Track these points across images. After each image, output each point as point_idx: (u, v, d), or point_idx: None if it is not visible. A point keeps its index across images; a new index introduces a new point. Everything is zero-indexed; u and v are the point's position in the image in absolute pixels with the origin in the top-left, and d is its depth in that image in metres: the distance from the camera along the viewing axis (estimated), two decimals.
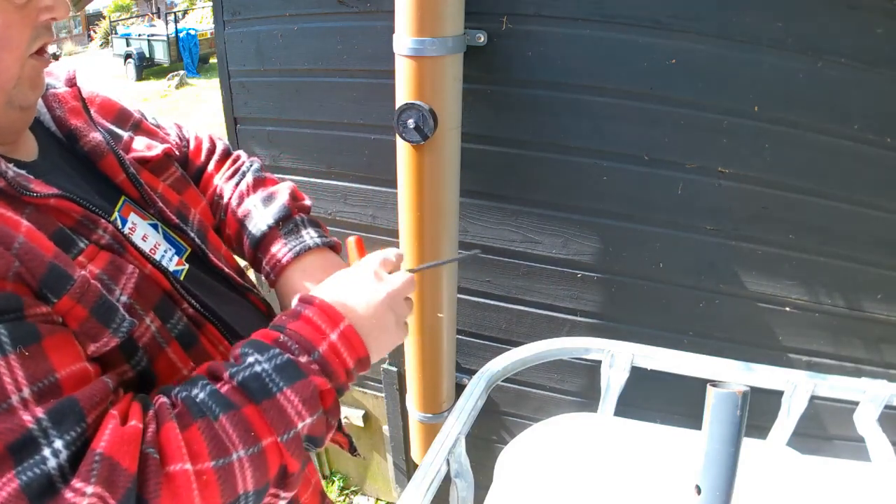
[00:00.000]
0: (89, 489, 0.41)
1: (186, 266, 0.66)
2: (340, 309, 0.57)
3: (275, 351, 0.52)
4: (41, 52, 0.54)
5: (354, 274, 0.63)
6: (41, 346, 0.45)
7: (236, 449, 0.48)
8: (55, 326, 0.47)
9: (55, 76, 0.66)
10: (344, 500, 2.26)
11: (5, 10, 0.48)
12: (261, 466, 0.49)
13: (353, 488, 2.29)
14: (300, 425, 0.51)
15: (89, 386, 0.47)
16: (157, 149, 0.71)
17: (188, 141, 0.86)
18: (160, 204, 0.66)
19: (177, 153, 0.77)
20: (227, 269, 0.71)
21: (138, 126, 0.74)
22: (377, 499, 2.25)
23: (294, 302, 0.60)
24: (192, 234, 0.68)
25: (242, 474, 0.48)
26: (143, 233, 0.63)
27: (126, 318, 0.52)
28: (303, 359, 0.53)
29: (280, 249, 0.73)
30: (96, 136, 0.63)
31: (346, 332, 0.56)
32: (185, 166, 0.82)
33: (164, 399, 0.50)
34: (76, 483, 0.41)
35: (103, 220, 0.55)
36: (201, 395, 0.50)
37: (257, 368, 0.51)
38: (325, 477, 2.31)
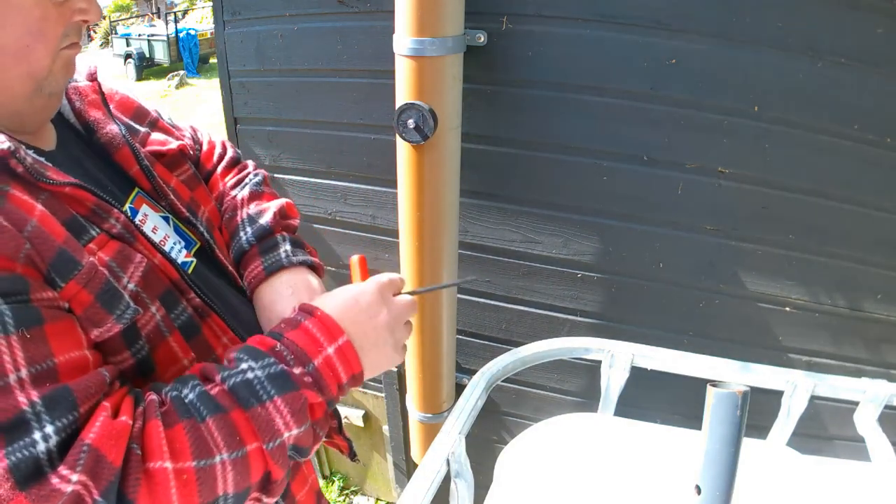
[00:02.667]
0: (74, 477, 0.42)
1: (194, 260, 0.67)
2: (340, 323, 0.57)
3: (269, 359, 0.53)
4: (72, 46, 0.56)
5: (359, 290, 0.63)
6: (42, 330, 0.46)
7: (220, 452, 0.48)
8: (59, 312, 0.48)
9: (77, 71, 0.67)
10: (344, 500, 2.26)
11: (43, 5, 0.50)
12: (243, 470, 0.50)
13: (353, 488, 2.29)
14: (286, 435, 0.52)
15: (85, 377, 0.47)
16: (172, 144, 0.73)
17: (201, 144, 0.87)
18: (172, 197, 0.67)
19: (190, 153, 0.78)
20: (231, 268, 0.72)
21: (154, 124, 0.76)
22: (377, 499, 2.25)
23: (295, 307, 0.60)
24: (202, 229, 0.69)
25: (224, 476, 0.48)
26: (153, 224, 0.64)
27: (130, 306, 0.53)
28: (297, 370, 0.53)
29: (256, 267, 0.74)
30: (113, 128, 0.65)
31: (344, 347, 0.57)
32: (196, 168, 0.83)
33: (153, 396, 0.51)
34: (62, 470, 0.42)
35: (115, 210, 0.56)
36: (190, 396, 0.50)
37: (249, 375, 0.51)
38: (325, 477, 2.31)
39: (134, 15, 17.30)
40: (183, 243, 0.67)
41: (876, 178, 1.10)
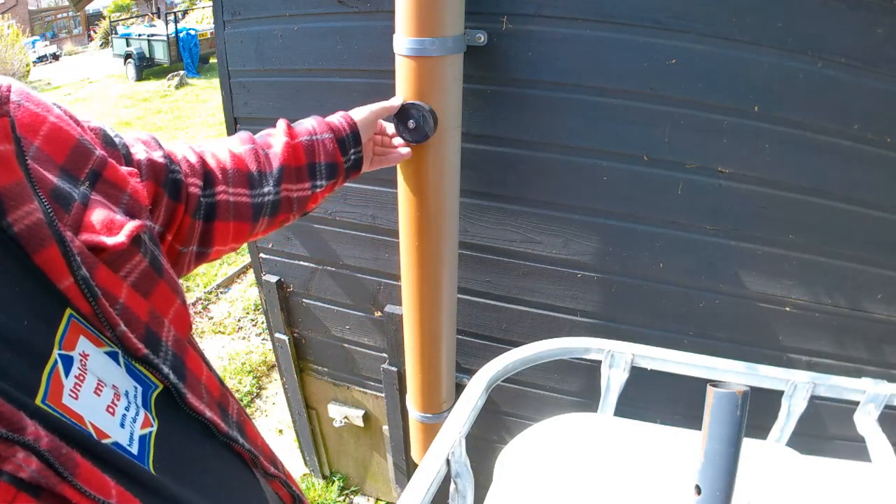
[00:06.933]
0: None
1: (155, 426, 0.48)
2: None
3: None
4: None
5: None
6: None
7: None
8: None
9: None
10: (344, 500, 2.26)
11: None
12: None
13: (353, 488, 2.29)
14: None
15: None
16: (121, 232, 0.49)
17: (178, 162, 0.69)
18: (122, 326, 0.47)
19: (147, 232, 0.54)
20: (208, 413, 0.54)
21: (98, 175, 0.51)
22: (377, 499, 2.25)
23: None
24: (166, 370, 0.51)
25: None
26: (95, 380, 0.44)
27: None
28: None
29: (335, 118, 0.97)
30: (33, 208, 0.41)
31: None
32: (177, 194, 0.67)
33: None
34: None
35: (18, 447, 0.34)
36: None
37: None
38: (324, 477, 2.31)
39: (134, 15, 17.30)
40: (140, 389, 0.48)
41: (876, 178, 1.10)
